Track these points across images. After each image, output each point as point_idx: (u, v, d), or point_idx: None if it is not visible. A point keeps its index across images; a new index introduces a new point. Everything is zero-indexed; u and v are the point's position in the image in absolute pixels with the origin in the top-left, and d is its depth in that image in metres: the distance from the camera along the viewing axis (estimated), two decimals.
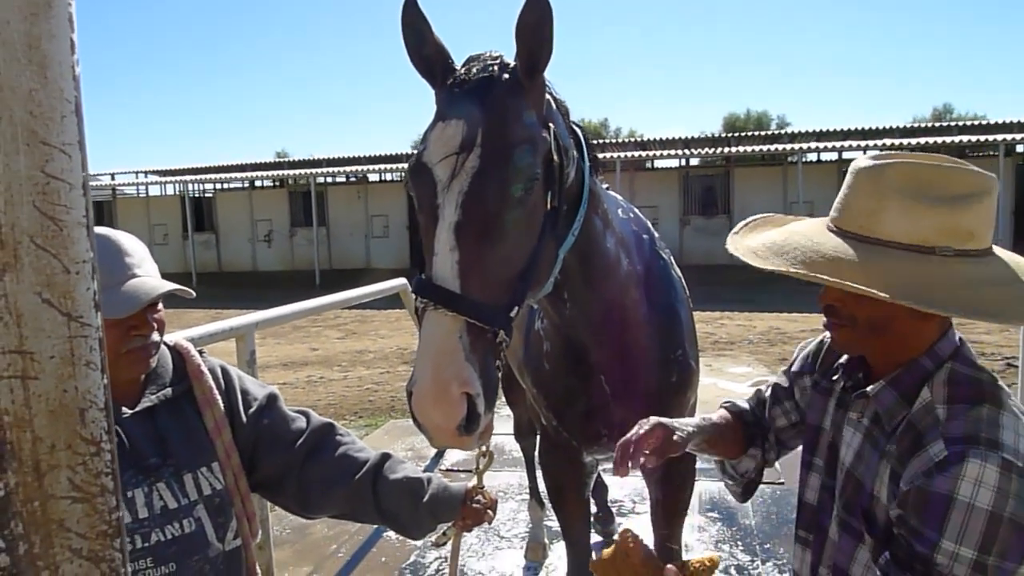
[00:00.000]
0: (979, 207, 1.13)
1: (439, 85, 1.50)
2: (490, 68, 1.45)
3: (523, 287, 1.41)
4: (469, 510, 1.59)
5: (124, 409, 1.45)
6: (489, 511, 1.60)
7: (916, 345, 1.20)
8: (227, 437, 1.55)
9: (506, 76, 1.44)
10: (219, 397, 1.58)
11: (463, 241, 1.32)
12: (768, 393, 1.62)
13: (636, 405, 2.01)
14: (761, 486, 4.65)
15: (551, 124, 1.48)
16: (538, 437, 2.66)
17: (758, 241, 1.31)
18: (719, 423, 1.57)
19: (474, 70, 1.46)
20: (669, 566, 1.29)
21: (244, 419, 1.60)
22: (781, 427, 1.59)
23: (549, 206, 1.43)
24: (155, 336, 1.48)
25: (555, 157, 1.43)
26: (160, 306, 1.49)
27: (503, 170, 1.35)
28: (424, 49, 1.51)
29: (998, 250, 1.23)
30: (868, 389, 1.25)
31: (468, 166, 1.35)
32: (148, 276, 1.46)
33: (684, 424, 1.46)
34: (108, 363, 1.40)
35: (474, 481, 1.61)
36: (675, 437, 1.40)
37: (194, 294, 1.53)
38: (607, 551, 1.38)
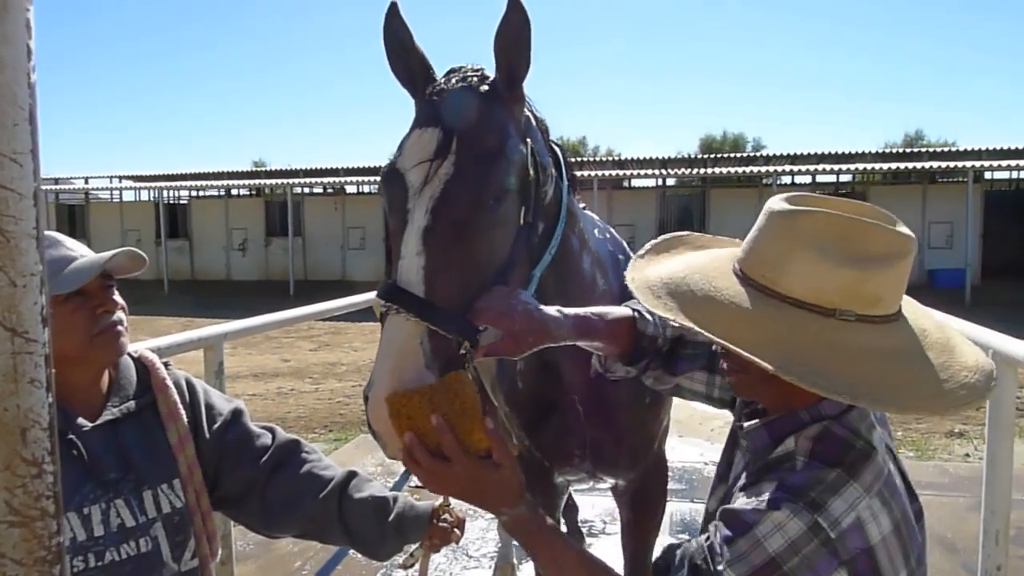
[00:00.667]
0: (890, 271, 1.04)
1: (419, 95, 1.50)
2: (469, 79, 1.45)
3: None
4: (436, 529, 1.56)
5: (84, 422, 1.42)
6: (456, 530, 1.57)
7: (805, 397, 1.10)
8: (190, 453, 1.52)
9: (485, 87, 1.44)
10: (183, 411, 1.55)
11: (430, 246, 1.30)
12: (703, 356, 1.46)
13: (609, 425, 1.99)
14: None
15: (529, 139, 1.47)
16: None
17: (658, 272, 1.22)
18: (610, 324, 1.40)
19: (453, 80, 1.46)
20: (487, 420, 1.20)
21: (208, 434, 1.57)
22: (687, 387, 1.50)
23: (523, 221, 1.42)
24: (120, 315, 1.46)
25: (531, 172, 1.42)
26: (117, 293, 1.48)
27: (475, 178, 1.34)
28: (405, 58, 1.51)
29: (911, 307, 1.16)
30: (745, 425, 1.22)
31: (441, 172, 1.33)
32: (92, 255, 1.45)
33: (564, 313, 1.36)
34: (83, 351, 1.39)
35: (441, 499, 1.57)
36: (551, 328, 1.32)
37: (146, 259, 1.50)
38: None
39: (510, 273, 1.40)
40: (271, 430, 1.65)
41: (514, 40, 1.39)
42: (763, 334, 1.04)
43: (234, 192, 27.25)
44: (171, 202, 27.14)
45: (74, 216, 28.00)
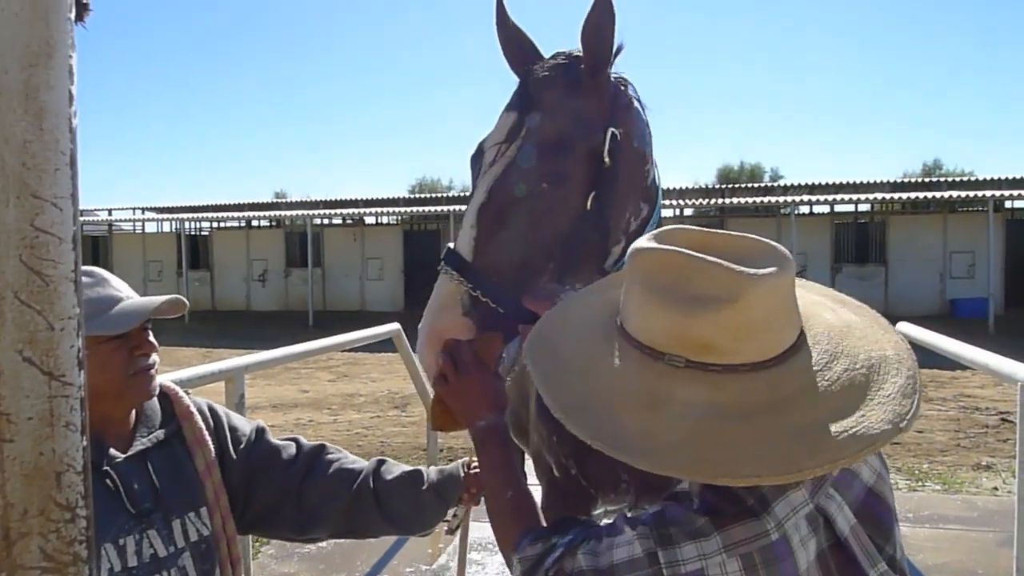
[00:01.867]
0: (720, 316, 0.91)
1: (517, 74, 1.59)
2: (558, 65, 1.52)
3: (549, 275, 1.47)
4: (471, 478, 1.63)
5: (117, 453, 1.44)
6: None
7: None
8: (217, 478, 1.54)
9: (567, 74, 1.51)
10: (209, 438, 1.57)
11: (482, 220, 1.44)
12: None
13: None
14: None
15: (615, 127, 1.50)
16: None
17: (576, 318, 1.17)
18: None
19: (544, 66, 1.54)
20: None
21: (235, 456, 1.60)
22: None
23: (589, 206, 1.46)
24: (155, 357, 1.50)
25: (606, 159, 1.46)
26: (152, 335, 1.51)
27: (531, 163, 1.44)
28: (513, 46, 1.61)
29: (869, 331, 1.04)
30: None
31: (507, 155, 1.46)
32: (138, 298, 1.49)
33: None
34: (117, 390, 1.42)
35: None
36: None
37: (188, 304, 1.55)
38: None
39: (571, 254, 1.48)
40: (295, 440, 1.70)
41: (598, 29, 1.46)
42: (593, 382, 1.00)
43: (255, 223, 27.54)
44: (192, 233, 27.46)
45: (97, 247, 28.39)
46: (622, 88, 1.59)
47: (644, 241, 1.02)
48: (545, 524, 1.20)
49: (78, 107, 0.50)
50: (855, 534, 0.99)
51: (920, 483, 6.00)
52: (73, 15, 0.49)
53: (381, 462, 1.69)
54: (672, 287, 0.95)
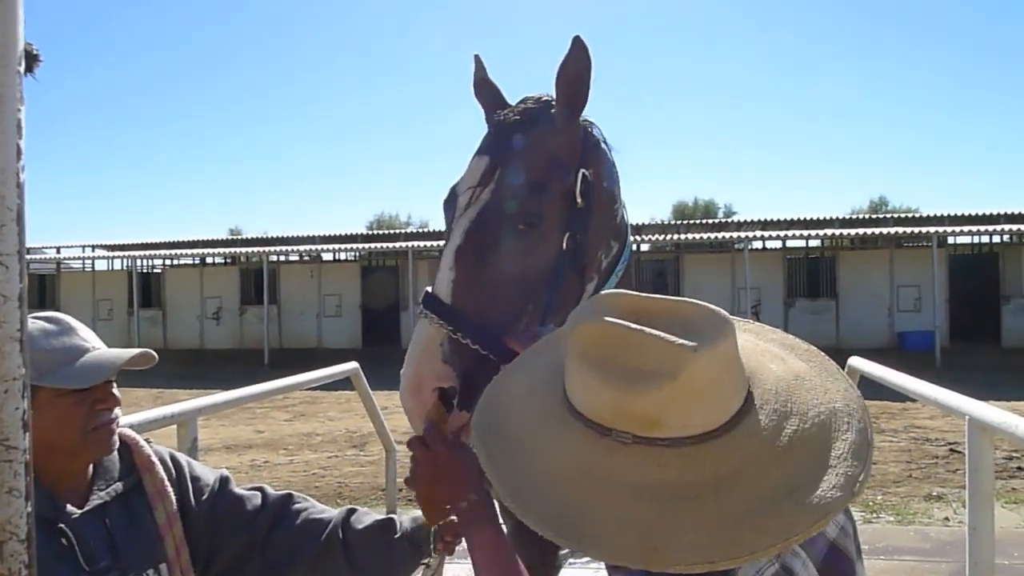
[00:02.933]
0: (662, 391, 0.89)
1: (489, 122, 1.63)
2: (529, 110, 1.56)
3: (529, 316, 1.46)
4: (447, 526, 1.54)
5: (73, 509, 1.37)
6: None
7: None
8: (178, 533, 1.48)
9: (540, 118, 1.55)
10: (171, 489, 1.50)
11: (460, 263, 1.45)
12: None
13: None
14: None
15: (586, 168, 1.53)
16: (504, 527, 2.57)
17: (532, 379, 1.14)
18: None
19: (515, 111, 1.57)
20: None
21: (198, 508, 1.53)
22: None
23: (565, 245, 1.48)
24: (118, 411, 1.44)
25: (579, 200, 1.49)
26: (115, 387, 1.45)
27: (507, 206, 1.46)
28: (486, 93, 1.68)
29: (818, 382, 1.02)
30: None
31: (482, 198, 1.48)
32: (106, 349, 1.43)
33: None
34: (74, 446, 1.35)
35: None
36: None
37: (156, 357, 1.50)
38: None
39: (551, 294, 1.48)
40: (260, 489, 1.64)
41: (575, 76, 1.50)
42: (542, 455, 0.98)
43: (209, 260, 27.10)
44: (144, 271, 26.89)
45: (45, 286, 27.59)
46: (589, 130, 1.62)
47: (582, 311, 1.00)
48: None
49: (26, 161, 0.49)
50: None
51: (875, 515, 6.08)
52: (22, 67, 0.48)
53: (351, 511, 1.63)
54: (612, 361, 0.92)
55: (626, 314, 0.96)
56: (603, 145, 1.65)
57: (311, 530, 1.57)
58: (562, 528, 0.90)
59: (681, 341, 0.90)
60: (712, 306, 0.98)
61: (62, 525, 1.34)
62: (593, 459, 0.93)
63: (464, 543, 1.48)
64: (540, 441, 1.00)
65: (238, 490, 1.62)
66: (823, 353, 1.11)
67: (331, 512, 1.63)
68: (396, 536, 1.55)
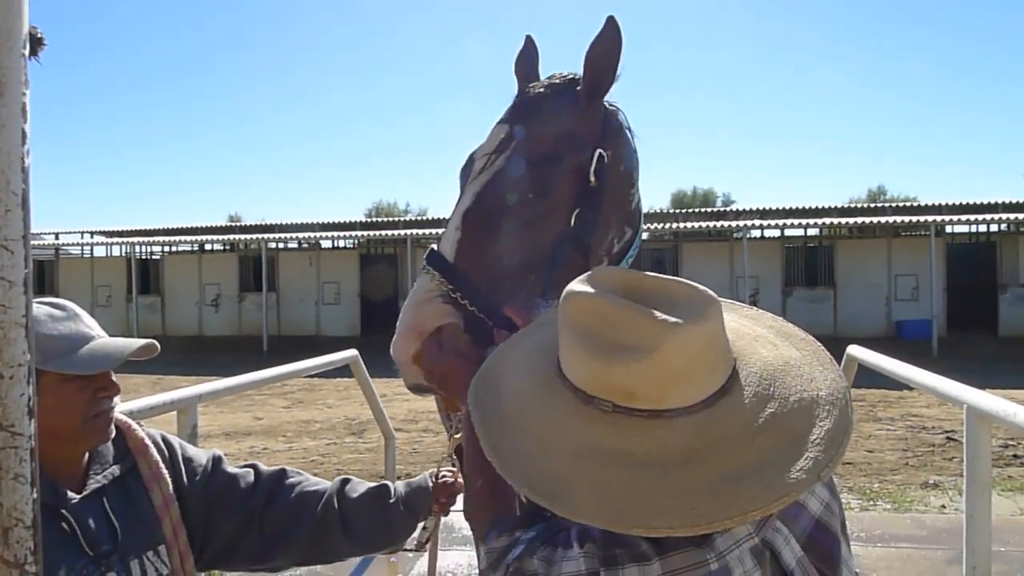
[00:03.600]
0: (640, 365, 0.92)
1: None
2: (555, 86, 1.57)
3: (529, 287, 1.46)
4: (440, 488, 1.60)
5: (72, 495, 1.37)
6: (459, 480, 1.60)
7: None
8: (175, 514, 1.49)
9: (563, 94, 1.55)
10: (166, 471, 1.51)
11: (466, 225, 1.47)
12: None
13: None
14: None
15: (604, 148, 1.53)
16: None
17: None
18: None
19: (541, 84, 1.59)
20: None
21: (192, 488, 1.55)
22: None
23: (572, 222, 1.49)
24: (117, 399, 1.44)
25: (592, 179, 1.49)
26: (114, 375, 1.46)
27: (518, 175, 1.47)
28: (525, 64, 1.69)
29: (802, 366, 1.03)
30: None
31: (496, 165, 1.49)
32: (110, 338, 1.44)
33: None
34: (75, 433, 1.36)
35: (439, 463, 1.65)
36: None
37: (159, 349, 1.49)
38: None
39: (552, 270, 1.48)
40: (253, 466, 1.66)
41: (604, 55, 1.50)
42: (526, 419, 1.02)
43: (208, 247, 27.05)
44: (143, 257, 26.84)
45: (43, 272, 27.54)
46: (613, 112, 1.63)
47: (575, 284, 1.02)
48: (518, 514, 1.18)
49: (31, 145, 0.48)
50: (802, 566, 0.99)
51: (871, 502, 6.12)
52: (27, 51, 0.48)
53: (345, 481, 1.66)
54: (596, 333, 0.95)
55: (617, 289, 0.99)
56: (626, 130, 1.65)
57: (307, 502, 1.59)
58: (537, 487, 0.94)
59: (662, 318, 0.93)
60: (701, 287, 1.00)
61: (63, 511, 1.34)
62: (575, 425, 0.97)
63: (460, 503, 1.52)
64: (529, 405, 1.03)
65: (231, 469, 1.63)
66: (819, 343, 1.11)
67: (325, 484, 1.65)
68: (391, 501, 1.58)
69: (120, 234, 28.19)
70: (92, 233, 28.67)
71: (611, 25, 1.47)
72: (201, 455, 1.62)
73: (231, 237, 25.49)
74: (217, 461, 1.63)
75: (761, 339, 1.09)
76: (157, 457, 1.52)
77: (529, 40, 1.72)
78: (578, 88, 1.55)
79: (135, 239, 25.69)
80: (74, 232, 28.54)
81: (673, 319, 0.92)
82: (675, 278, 1.03)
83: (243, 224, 30.47)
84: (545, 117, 1.52)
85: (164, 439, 1.59)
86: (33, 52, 0.56)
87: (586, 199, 1.51)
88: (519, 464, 0.97)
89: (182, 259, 27.24)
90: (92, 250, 28.13)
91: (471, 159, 1.57)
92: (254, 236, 24.43)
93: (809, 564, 1.00)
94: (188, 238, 25.89)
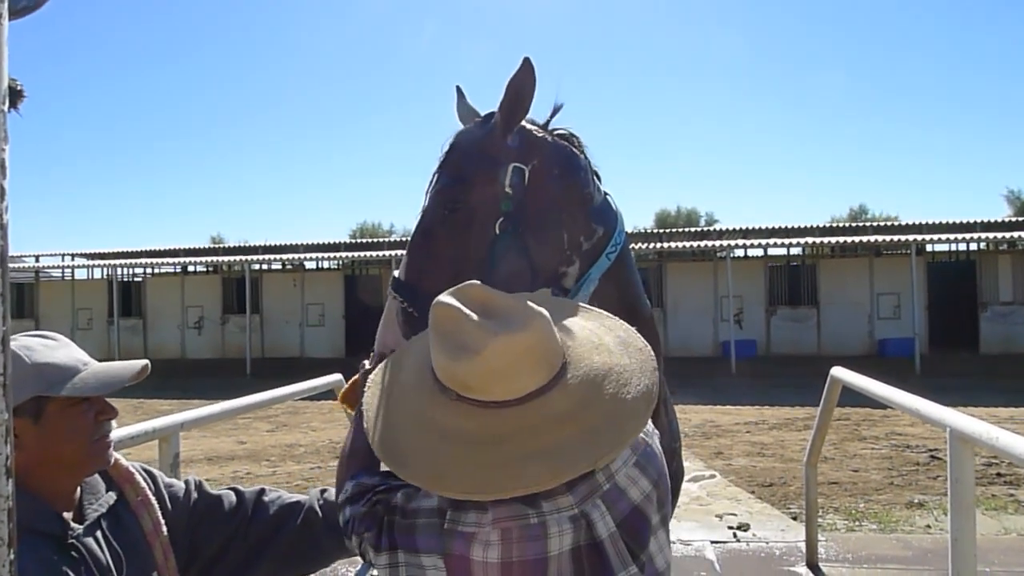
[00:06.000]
0: (471, 362, 1.13)
1: None
2: (477, 122, 1.78)
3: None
4: None
5: (76, 526, 1.38)
6: None
7: None
8: (164, 539, 1.51)
9: (482, 125, 1.75)
10: (153, 498, 1.53)
11: (411, 249, 1.70)
12: None
13: None
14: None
15: (524, 164, 1.69)
16: None
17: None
18: None
19: (469, 124, 1.80)
20: None
21: (175, 513, 1.56)
22: None
23: (498, 230, 1.65)
24: (114, 423, 1.46)
25: (507, 189, 1.66)
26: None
27: (441, 198, 1.68)
28: (465, 115, 1.89)
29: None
30: None
31: (427, 197, 1.72)
32: (105, 363, 1.47)
33: None
34: (80, 458, 1.38)
35: None
36: None
37: (150, 368, 1.52)
38: None
39: (497, 275, 1.60)
40: (234, 489, 1.70)
41: (517, 91, 1.65)
42: (396, 403, 1.26)
43: (190, 269, 26.89)
44: (125, 280, 26.64)
45: (23, 295, 27.24)
46: (536, 133, 1.76)
47: (443, 295, 1.23)
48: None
49: (10, 202, 0.48)
50: (612, 540, 1.17)
51: (857, 523, 6.12)
52: (6, 106, 0.48)
53: (324, 490, 1.73)
54: (446, 335, 1.17)
55: (469, 301, 1.20)
56: (559, 142, 1.80)
57: (289, 512, 1.66)
58: (389, 453, 1.17)
59: (488, 326, 1.15)
60: (533, 307, 1.21)
61: (73, 540, 1.35)
62: (429, 408, 1.20)
63: None
64: (406, 389, 1.27)
65: (213, 491, 1.67)
66: (651, 353, 1.29)
67: (304, 496, 1.72)
68: None
69: (101, 256, 27.94)
70: (73, 255, 28.40)
71: (526, 66, 1.62)
72: (180, 482, 1.66)
73: (214, 259, 25.33)
74: (198, 485, 1.67)
75: (601, 347, 1.27)
76: (144, 484, 1.53)
77: (459, 91, 1.93)
78: (494, 121, 1.71)
79: (117, 261, 25.50)
80: (55, 254, 28.25)
81: (495, 328, 1.14)
82: (515, 296, 1.26)
83: (226, 246, 30.31)
84: (459, 148, 1.73)
85: (145, 469, 1.62)
86: (13, 105, 0.56)
87: (507, 208, 1.67)
88: (384, 435, 1.20)
89: (164, 281, 27.05)
90: (73, 272, 27.87)
91: None
92: (237, 258, 24.30)
93: (619, 538, 1.18)
94: (170, 260, 25.74)
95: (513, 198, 1.67)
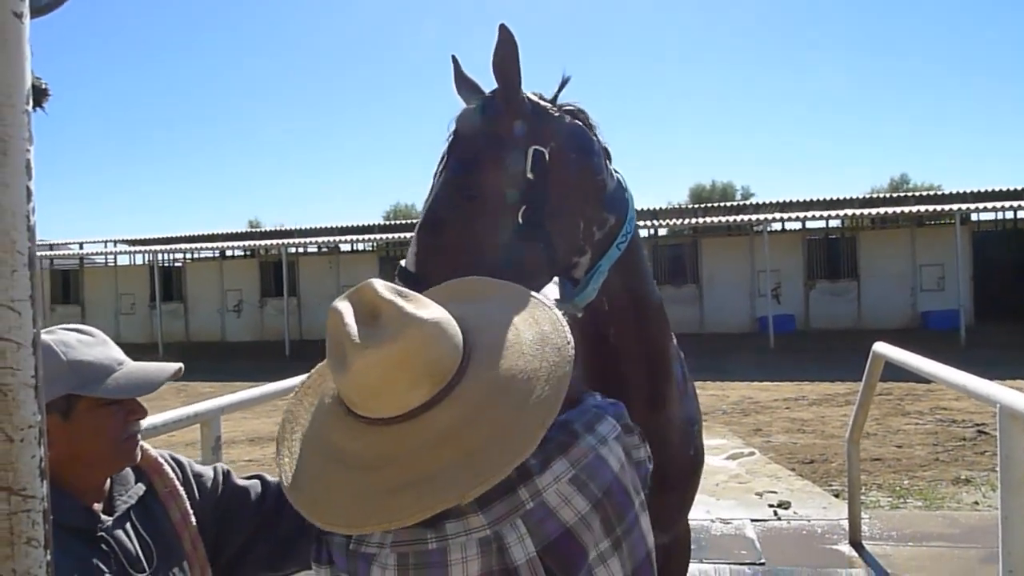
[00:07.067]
0: (345, 378, 1.04)
1: None
2: (480, 100, 1.67)
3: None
4: None
5: (104, 517, 1.39)
6: None
7: None
8: (193, 529, 1.51)
9: (487, 105, 1.65)
10: (181, 488, 1.53)
11: (420, 237, 1.58)
12: None
13: (659, 479, 1.82)
14: (741, 567, 4.48)
15: (541, 145, 1.61)
16: None
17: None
18: None
19: (473, 102, 1.69)
20: None
21: (203, 503, 1.57)
22: None
23: (521, 219, 1.57)
24: (143, 423, 1.47)
25: (528, 174, 1.58)
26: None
27: (452, 180, 1.59)
28: (465, 89, 1.79)
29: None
30: None
31: (436, 182, 1.62)
32: (140, 363, 1.47)
33: None
34: (109, 457, 1.39)
35: None
36: None
37: (183, 371, 1.52)
38: None
39: (515, 265, 1.52)
40: (259, 477, 1.69)
41: (503, 61, 1.58)
42: (298, 414, 1.19)
43: (229, 254, 27.30)
44: (166, 265, 27.15)
45: (68, 281, 27.95)
46: (551, 111, 1.69)
47: (339, 299, 1.13)
48: None
49: (36, 203, 0.47)
50: (531, 567, 1.02)
51: (901, 500, 6.03)
52: (30, 106, 0.47)
53: None
54: (331, 346, 1.07)
55: (361, 306, 1.08)
56: (574, 122, 1.71)
57: None
58: (291, 473, 1.10)
59: (354, 339, 1.03)
60: (412, 313, 1.05)
61: (102, 533, 1.37)
62: (328, 425, 1.11)
63: None
64: (321, 403, 1.17)
65: (240, 481, 1.67)
66: (568, 355, 1.10)
67: None
68: None
69: (143, 242, 28.52)
70: (116, 242, 29.03)
71: (503, 32, 1.55)
72: (208, 470, 1.65)
73: (251, 243, 25.67)
74: (226, 475, 1.66)
75: (514, 348, 1.11)
76: (172, 475, 1.54)
77: (455, 61, 1.81)
78: (494, 99, 1.64)
79: (157, 247, 26.00)
80: (98, 241, 28.92)
81: (366, 340, 1.02)
82: (396, 300, 1.08)
83: (263, 230, 30.68)
84: (467, 128, 1.64)
85: (173, 458, 1.62)
86: (38, 103, 0.56)
87: (531, 196, 1.59)
88: (292, 451, 1.14)
89: (204, 266, 27.51)
90: (116, 258, 28.50)
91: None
92: (274, 242, 24.59)
93: (539, 564, 1.03)
94: (209, 245, 26.13)
95: (535, 184, 1.59)
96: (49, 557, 0.46)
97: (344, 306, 1.08)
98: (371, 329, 1.04)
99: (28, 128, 0.47)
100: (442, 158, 1.65)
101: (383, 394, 1.03)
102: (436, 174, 1.65)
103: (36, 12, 0.58)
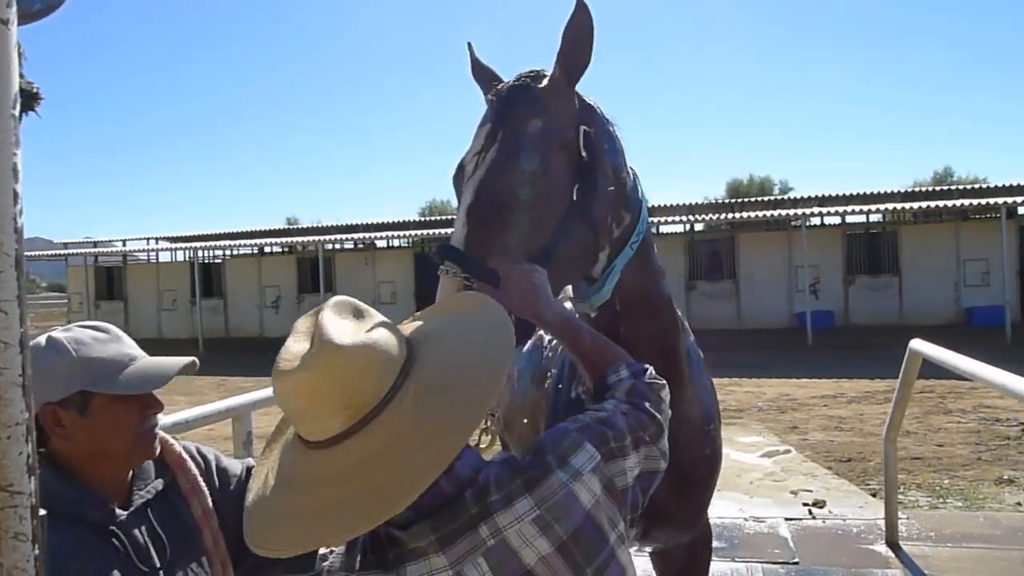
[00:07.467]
0: (281, 402, 1.06)
1: (487, 99, 1.69)
2: (522, 79, 1.62)
3: (536, 260, 1.48)
4: None
5: (120, 512, 1.42)
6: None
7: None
8: (214, 525, 1.52)
9: (534, 83, 1.60)
10: (204, 484, 1.55)
11: (472, 217, 1.49)
12: None
13: (676, 480, 1.77)
14: (774, 567, 4.39)
15: (586, 126, 1.59)
16: None
17: None
18: (594, 350, 1.43)
19: (514, 80, 1.64)
20: None
21: (227, 499, 1.58)
22: None
23: (574, 197, 1.53)
24: (160, 417, 1.49)
25: (583, 153, 1.55)
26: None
27: (510, 159, 1.50)
28: (482, 73, 1.79)
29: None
30: None
31: (487, 159, 1.52)
32: (153, 357, 1.48)
33: (561, 307, 1.47)
34: (125, 451, 1.41)
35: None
36: (540, 302, 1.41)
37: (198, 365, 1.54)
38: None
39: (560, 241, 1.52)
40: None
41: (577, 38, 1.55)
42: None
43: (267, 250, 27.72)
44: (206, 261, 27.66)
45: (112, 278, 28.65)
46: (585, 99, 1.67)
47: (301, 319, 1.13)
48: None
49: (23, 205, 0.48)
50: None
51: (941, 500, 5.89)
52: (17, 110, 0.48)
53: None
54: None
55: (310, 325, 1.09)
56: (601, 113, 1.70)
57: None
58: (246, 502, 1.10)
59: (277, 363, 1.05)
60: (334, 340, 1.03)
61: (114, 528, 1.38)
62: (292, 440, 1.11)
63: None
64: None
65: None
66: (503, 364, 1.09)
67: None
68: None
69: (184, 239, 29.10)
70: (157, 239, 29.67)
71: (581, 8, 1.51)
72: (235, 465, 1.66)
73: (289, 240, 26.03)
74: (251, 471, 1.65)
75: (451, 370, 1.08)
76: (195, 470, 1.56)
77: (471, 47, 1.82)
78: (546, 80, 1.60)
79: (198, 244, 26.48)
80: (140, 239, 29.59)
81: (287, 365, 1.03)
82: (355, 317, 1.11)
83: (300, 227, 31.08)
84: (524, 105, 1.56)
85: (200, 451, 1.63)
86: (29, 107, 0.57)
87: (582, 173, 1.56)
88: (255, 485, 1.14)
89: (243, 262, 27.97)
90: (158, 255, 29.13)
91: (461, 165, 1.61)
92: (311, 238, 24.90)
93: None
94: (248, 242, 26.55)
95: (588, 163, 1.57)
96: (37, 552, 0.47)
97: (299, 324, 1.11)
98: (304, 354, 1.04)
99: (15, 132, 0.48)
100: (487, 137, 1.56)
101: (305, 419, 1.04)
102: (479, 153, 1.55)
103: (29, 18, 0.59)
